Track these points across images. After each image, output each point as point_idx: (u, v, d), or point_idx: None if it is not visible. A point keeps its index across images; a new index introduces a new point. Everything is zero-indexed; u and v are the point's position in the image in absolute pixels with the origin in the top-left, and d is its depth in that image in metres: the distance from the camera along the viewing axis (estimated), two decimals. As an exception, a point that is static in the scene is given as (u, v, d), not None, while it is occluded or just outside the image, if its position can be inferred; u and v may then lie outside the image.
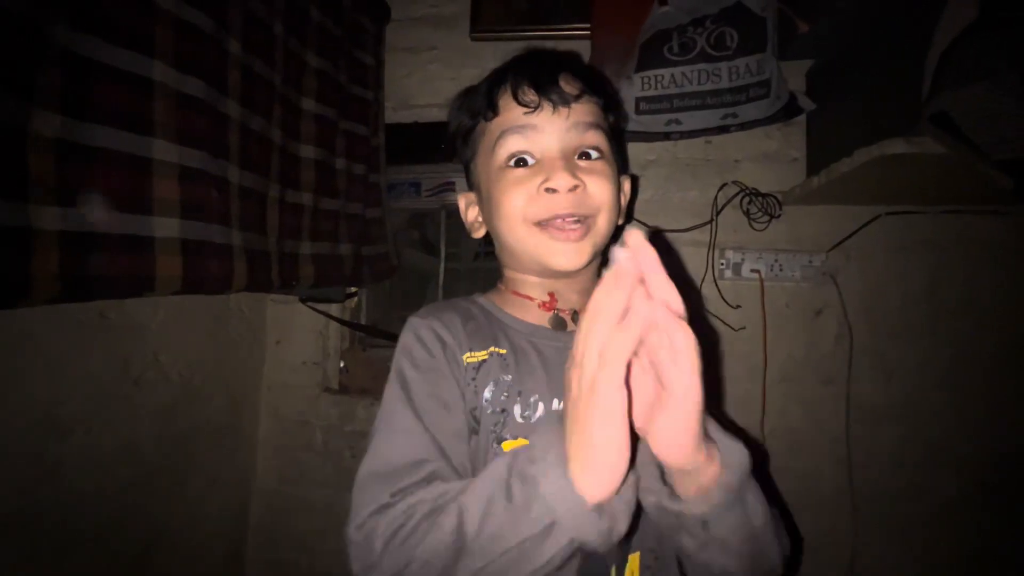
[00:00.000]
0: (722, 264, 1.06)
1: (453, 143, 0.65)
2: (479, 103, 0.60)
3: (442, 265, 1.28)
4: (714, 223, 1.07)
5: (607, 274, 0.36)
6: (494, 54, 1.17)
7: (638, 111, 0.94)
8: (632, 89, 0.93)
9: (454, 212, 1.26)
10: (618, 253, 0.36)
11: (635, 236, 0.35)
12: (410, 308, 1.37)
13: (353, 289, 1.20)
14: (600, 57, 1.02)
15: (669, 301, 0.35)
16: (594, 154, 0.57)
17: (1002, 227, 1.01)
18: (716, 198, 1.07)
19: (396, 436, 0.51)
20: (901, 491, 1.02)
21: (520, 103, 0.56)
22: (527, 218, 0.55)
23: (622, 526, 0.38)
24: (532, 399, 0.54)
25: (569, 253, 0.55)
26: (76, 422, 0.77)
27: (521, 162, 0.57)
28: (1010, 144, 0.61)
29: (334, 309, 1.20)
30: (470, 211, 0.64)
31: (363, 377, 1.24)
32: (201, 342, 1.01)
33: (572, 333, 0.58)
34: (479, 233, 0.64)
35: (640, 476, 0.42)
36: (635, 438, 0.37)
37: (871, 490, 1.02)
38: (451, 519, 0.41)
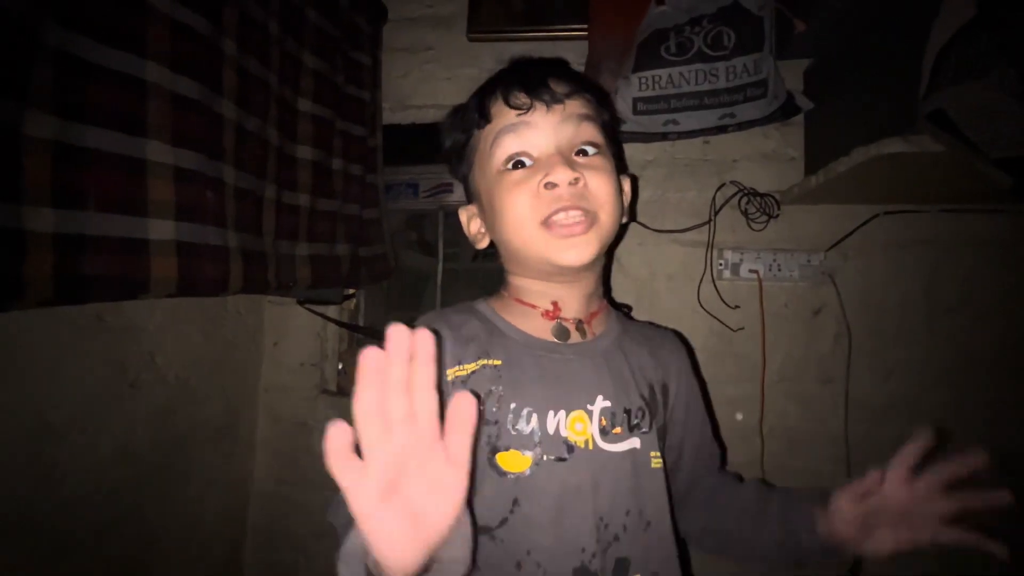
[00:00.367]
0: (720, 264, 1.06)
1: (449, 161, 0.66)
2: (471, 115, 0.60)
3: (440, 266, 1.28)
4: (712, 223, 1.07)
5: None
6: (491, 54, 1.17)
7: (635, 111, 0.93)
8: (629, 89, 0.93)
9: (452, 213, 1.26)
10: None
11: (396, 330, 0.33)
12: (408, 309, 1.38)
13: (351, 290, 1.20)
14: (597, 57, 1.02)
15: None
16: (591, 150, 0.57)
17: (1000, 225, 1.01)
18: (714, 198, 1.07)
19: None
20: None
21: (512, 106, 0.57)
22: (532, 219, 0.55)
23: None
24: (525, 411, 0.54)
25: (576, 248, 0.54)
26: (72, 425, 0.76)
27: (519, 164, 0.57)
28: (1008, 142, 0.60)
29: (332, 310, 1.20)
30: (472, 223, 0.64)
31: (361, 378, 1.23)
32: (198, 344, 1.00)
33: (574, 345, 0.60)
34: (483, 244, 0.64)
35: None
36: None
37: (871, 490, 1.02)
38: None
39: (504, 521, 0.52)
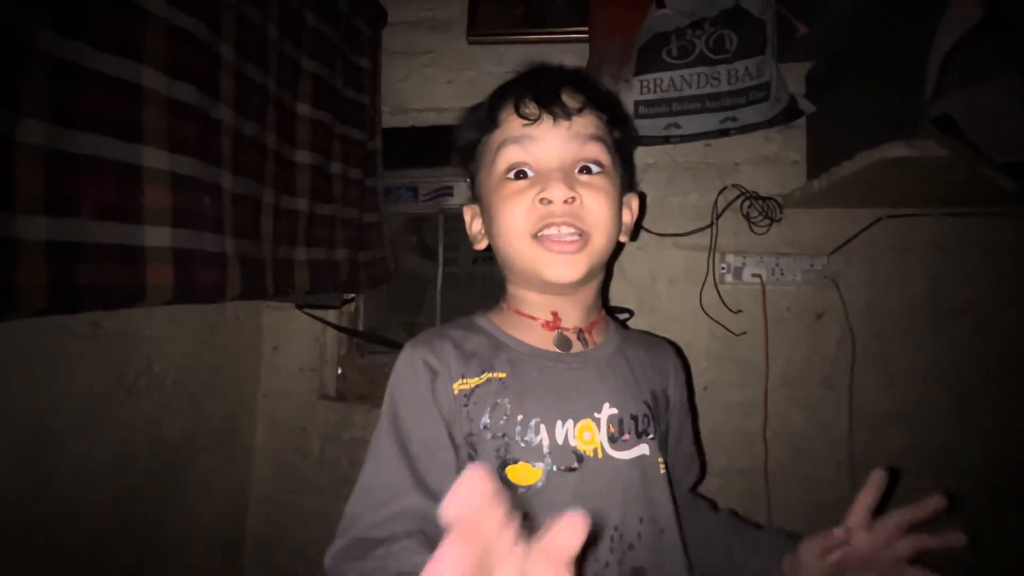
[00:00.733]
0: (723, 268, 1.05)
1: (461, 157, 0.65)
2: (482, 117, 0.60)
3: (440, 270, 1.27)
4: (714, 227, 1.06)
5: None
6: (491, 58, 1.16)
7: (637, 115, 0.93)
8: (631, 93, 0.92)
9: (452, 216, 1.26)
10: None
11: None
12: (408, 314, 1.38)
13: (350, 295, 1.19)
14: (597, 61, 1.01)
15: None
16: (595, 168, 0.57)
17: (1004, 229, 1.00)
18: (716, 202, 1.06)
19: (377, 471, 0.54)
20: (905, 496, 1.01)
21: (520, 115, 0.56)
22: (524, 231, 0.55)
23: None
24: (533, 422, 0.54)
25: (564, 265, 0.54)
26: (69, 432, 0.75)
27: (521, 174, 0.56)
28: (1014, 147, 0.60)
29: (331, 315, 1.19)
30: (475, 223, 0.64)
31: (361, 384, 1.23)
32: (196, 349, 1.00)
33: (577, 354, 0.59)
34: (481, 245, 0.64)
35: None
36: None
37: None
38: None
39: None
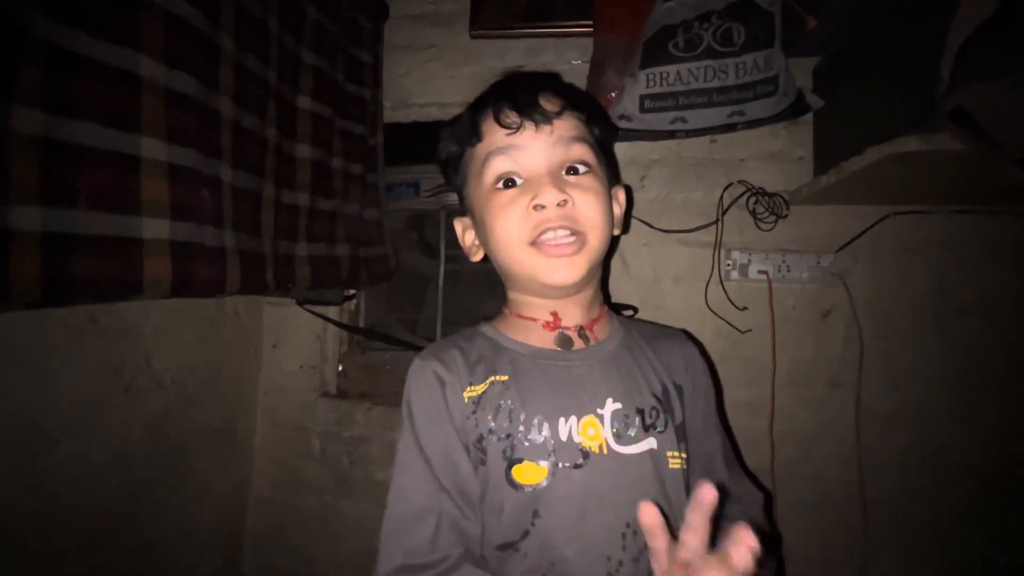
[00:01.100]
0: (728, 265, 1.04)
1: (445, 172, 0.66)
2: (464, 130, 0.61)
3: (442, 267, 1.26)
4: (720, 223, 1.05)
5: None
6: (494, 52, 1.15)
7: (643, 109, 0.91)
8: (637, 87, 0.91)
9: (454, 213, 1.24)
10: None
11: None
12: (409, 311, 1.36)
13: (351, 291, 1.18)
14: (602, 55, 1.00)
15: None
16: (582, 168, 0.57)
17: (1014, 227, 0.98)
18: (721, 198, 1.05)
19: (406, 488, 0.54)
20: (913, 495, 1.00)
21: (502, 125, 0.57)
22: (521, 239, 0.55)
23: None
24: (536, 420, 0.54)
25: (564, 269, 0.55)
26: (64, 431, 0.74)
27: (510, 183, 0.57)
28: (1031, 141, 0.58)
29: (332, 312, 1.18)
30: (467, 235, 0.65)
31: (362, 381, 1.21)
32: (195, 346, 0.98)
33: (579, 351, 0.59)
34: (477, 256, 0.64)
35: None
36: None
37: (882, 494, 1.00)
38: None
39: (526, 534, 0.52)
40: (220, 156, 0.69)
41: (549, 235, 0.54)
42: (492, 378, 0.57)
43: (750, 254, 1.04)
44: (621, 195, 0.65)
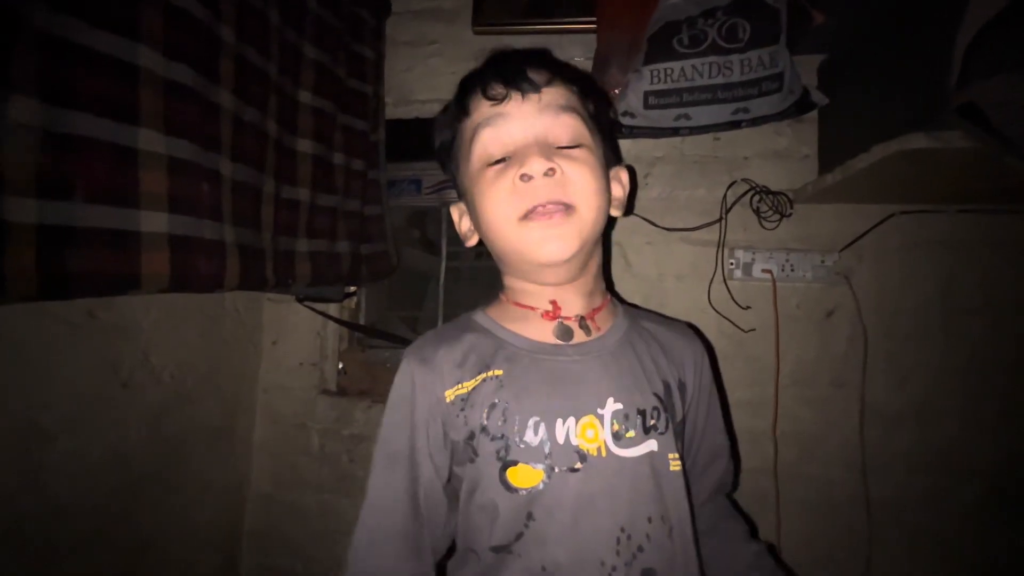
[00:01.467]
0: (731, 264, 1.03)
1: (440, 160, 0.64)
2: (453, 111, 0.59)
3: (443, 264, 1.25)
4: (723, 221, 1.04)
5: None
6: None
7: (647, 105, 0.91)
8: (641, 83, 0.90)
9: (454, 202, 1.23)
10: None
11: None
12: (409, 308, 1.35)
13: (352, 288, 1.17)
14: (605, 51, 0.99)
15: None
16: (573, 141, 0.55)
17: (1019, 226, 0.98)
18: (725, 196, 1.04)
19: (373, 492, 0.56)
20: (917, 496, 0.99)
21: (488, 98, 0.54)
22: (510, 215, 0.52)
23: None
24: (532, 421, 0.52)
25: (554, 241, 0.51)
26: (61, 427, 0.73)
27: (500, 160, 0.54)
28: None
29: (332, 309, 1.17)
30: (463, 221, 0.62)
31: (362, 379, 1.21)
32: (194, 342, 0.98)
33: (579, 345, 0.56)
34: (471, 242, 0.62)
35: None
36: None
37: (886, 495, 0.99)
38: None
39: (519, 536, 0.51)
40: (220, 150, 0.68)
41: (539, 208, 0.52)
42: (485, 374, 0.54)
43: (754, 253, 1.03)
44: (624, 175, 0.62)
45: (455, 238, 1.24)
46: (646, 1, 0.92)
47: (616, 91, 0.95)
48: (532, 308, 0.58)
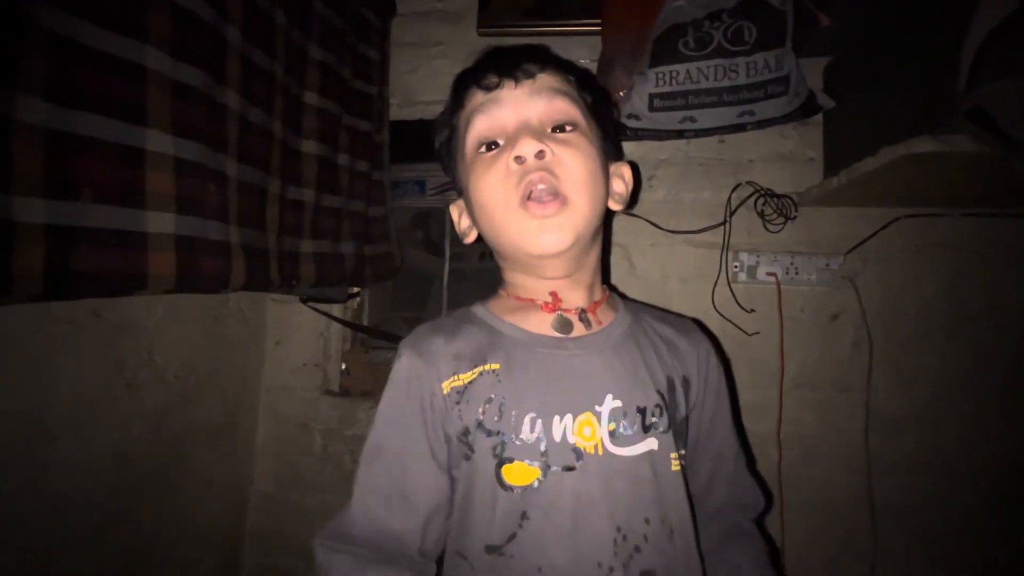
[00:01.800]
0: (736, 266, 1.03)
1: (441, 160, 0.64)
2: (449, 107, 0.59)
3: (447, 265, 1.25)
4: (728, 224, 1.04)
5: None
6: (502, 49, 1.14)
7: (652, 108, 0.91)
8: (646, 85, 0.90)
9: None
10: None
11: None
12: (413, 309, 1.35)
13: (355, 289, 1.17)
14: (611, 53, 0.99)
15: None
16: (568, 127, 0.54)
17: (1024, 231, 0.97)
18: (730, 199, 1.04)
19: (362, 479, 0.55)
20: (921, 500, 0.99)
21: (481, 87, 0.55)
22: (505, 201, 0.52)
23: None
24: (528, 418, 0.51)
25: (548, 232, 0.51)
26: (65, 425, 0.73)
27: (493, 146, 0.54)
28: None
29: (335, 309, 1.17)
30: (463, 219, 0.62)
31: (365, 379, 1.21)
32: (198, 342, 0.98)
33: (579, 338, 0.55)
34: (470, 238, 0.62)
35: None
36: None
37: (890, 499, 0.99)
38: None
39: (512, 536, 0.50)
40: (226, 150, 0.68)
41: (533, 193, 0.51)
42: (482, 367, 0.53)
43: (758, 256, 1.03)
44: (625, 171, 0.61)
45: (458, 239, 1.25)
46: (651, 3, 0.92)
47: (621, 93, 0.95)
48: (531, 300, 0.57)
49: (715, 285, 1.04)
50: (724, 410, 0.63)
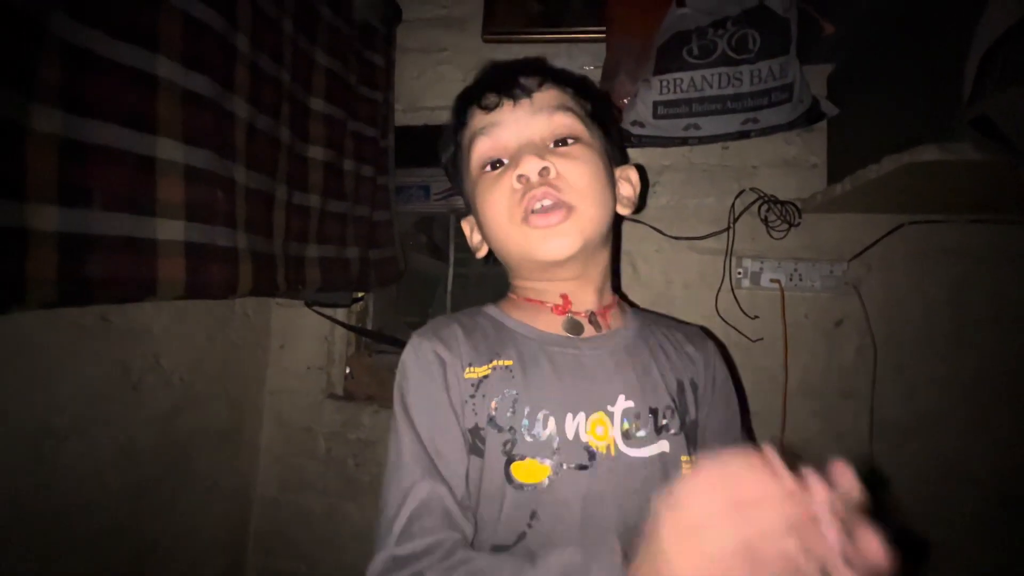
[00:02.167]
0: (739, 273, 1.03)
1: (448, 177, 0.66)
2: (452, 126, 0.61)
3: (451, 270, 1.26)
4: (731, 230, 1.04)
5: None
6: (506, 56, 1.14)
7: (656, 115, 0.91)
8: (650, 92, 0.91)
9: (463, 216, 1.24)
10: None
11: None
12: (417, 314, 1.36)
13: (360, 294, 1.18)
14: (615, 60, 1.00)
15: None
16: (570, 140, 0.55)
17: (1029, 238, 0.97)
18: (733, 205, 1.04)
19: (401, 476, 0.50)
20: (926, 507, 0.98)
21: (482, 107, 0.56)
22: (510, 217, 0.53)
23: None
24: (541, 414, 0.51)
25: (553, 239, 0.52)
26: (73, 428, 0.74)
27: (496, 165, 0.56)
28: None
29: (340, 314, 1.18)
30: (474, 235, 0.63)
31: (369, 383, 1.21)
32: (204, 345, 0.98)
33: (589, 339, 0.56)
34: (482, 252, 0.63)
35: None
36: None
37: (894, 506, 0.98)
38: None
39: (522, 536, 0.49)
40: (234, 157, 0.69)
41: (537, 207, 0.52)
42: (495, 362, 0.53)
43: (762, 262, 1.03)
44: (632, 174, 0.62)
45: (462, 244, 1.26)
46: (656, 10, 0.93)
47: (625, 100, 0.96)
48: (542, 303, 0.58)
49: (719, 291, 1.04)
50: (733, 414, 0.63)
